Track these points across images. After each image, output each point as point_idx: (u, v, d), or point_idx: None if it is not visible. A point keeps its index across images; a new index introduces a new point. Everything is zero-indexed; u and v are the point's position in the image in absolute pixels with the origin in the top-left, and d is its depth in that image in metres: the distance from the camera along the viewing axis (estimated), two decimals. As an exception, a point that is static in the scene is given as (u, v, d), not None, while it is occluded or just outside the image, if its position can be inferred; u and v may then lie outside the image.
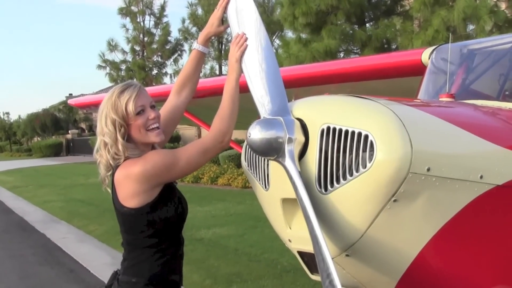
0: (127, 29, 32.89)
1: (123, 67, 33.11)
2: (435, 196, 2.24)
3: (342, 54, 14.67)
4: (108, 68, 33.02)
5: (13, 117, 76.50)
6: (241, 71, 2.53)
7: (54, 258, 8.49)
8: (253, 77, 2.47)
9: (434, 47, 4.13)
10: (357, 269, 2.37)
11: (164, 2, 33.22)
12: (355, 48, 14.59)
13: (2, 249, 9.30)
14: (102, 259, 8.05)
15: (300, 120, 2.31)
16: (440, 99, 3.18)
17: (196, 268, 6.98)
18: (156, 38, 33.10)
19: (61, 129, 51.37)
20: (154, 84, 30.38)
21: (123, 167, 2.43)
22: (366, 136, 2.12)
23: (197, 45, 2.83)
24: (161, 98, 3.11)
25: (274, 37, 23.78)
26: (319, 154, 2.23)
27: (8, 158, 46.53)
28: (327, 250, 2.12)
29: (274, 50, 12.21)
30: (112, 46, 32.81)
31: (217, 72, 28.28)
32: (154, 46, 32.98)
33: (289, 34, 16.27)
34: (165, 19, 33.26)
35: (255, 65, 2.48)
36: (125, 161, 2.43)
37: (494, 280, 2.54)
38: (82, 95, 23.39)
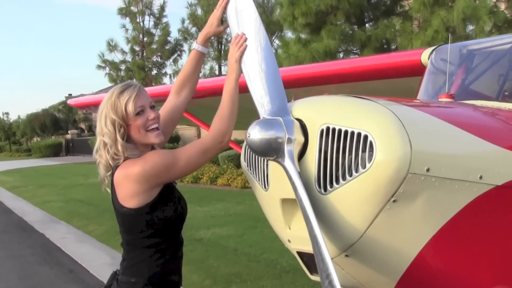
0: (127, 29, 32.90)
1: (123, 67, 33.10)
2: (434, 196, 2.24)
3: (341, 55, 14.67)
4: (107, 68, 33.03)
5: (13, 117, 76.60)
6: (240, 71, 2.53)
7: (54, 258, 8.48)
8: (253, 78, 2.47)
9: (433, 47, 4.13)
10: (357, 269, 2.37)
11: (164, 3, 33.26)
12: (355, 49, 14.59)
13: (1, 249, 9.29)
14: (102, 259, 8.04)
15: (300, 121, 2.31)
16: (439, 100, 3.18)
17: (196, 268, 6.98)
18: (156, 38, 33.10)
19: (60, 129, 51.37)
20: (153, 84, 30.37)
21: (122, 167, 2.43)
22: (366, 137, 2.12)
23: (196, 45, 2.83)
24: (160, 98, 3.11)
25: (273, 38, 23.79)
26: (318, 155, 2.23)
27: (8, 158, 46.52)
28: (327, 250, 2.12)
29: (274, 51, 12.20)
30: (112, 46, 32.81)
31: (217, 72, 28.28)
32: (154, 46, 32.98)
33: (289, 34, 16.29)
34: (164, 20, 33.30)
35: (254, 65, 2.48)
36: (125, 161, 2.43)
37: (493, 281, 2.54)
38: (82, 95, 23.39)
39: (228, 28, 2.71)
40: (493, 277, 2.54)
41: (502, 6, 13.01)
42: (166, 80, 33.02)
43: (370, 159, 2.10)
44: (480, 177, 2.33)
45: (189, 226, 9.03)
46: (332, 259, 2.14)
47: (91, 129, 49.27)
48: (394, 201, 2.15)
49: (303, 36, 14.41)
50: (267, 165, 2.49)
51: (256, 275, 6.64)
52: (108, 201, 2.59)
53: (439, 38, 11.34)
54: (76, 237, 10.11)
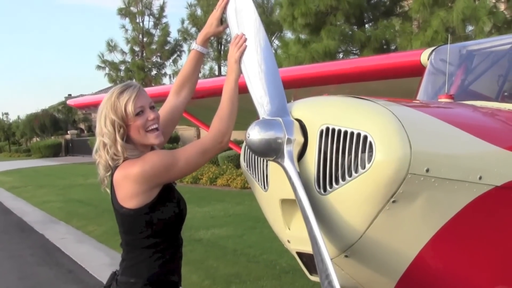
0: (126, 30, 32.93)
1: (122, 67, 33.12)
2: (434, 197, 2.24)
3: (341, 55, 14.67)
4: (107, 69, 33.04)
5: (12, 117, 76.56)
6: (240, 71, 2.53)
7: (53, 259, 8.48)
8: (252, 78, 2.47)
9: (433, 48, 4.13)
10: (356, 270, 2.37)
11: (164, 3, 33.30)
12: (354, 49, 14.59)
13: (0, 250, 9.29)
14: (101, 259, 8.04)
15: (299, 121, 2.31)
16: (439, 100, 3.18)
17: (195, 269, 6.98)
18: (155, 38, 33.12)
19: (60, 129, 51.34)
20: (153, 84, 30.38)
21: (122, 167, 2.43)
22: (365, 137, 2.12)
23: (196, 46, 2.83)
24: (160, 99, 3.11)
25: (273, 38, 23.79)
26: (318, 155, 2.23)
27: (7, 159, 46.51)
28: (326, 251, 2.12)
29: (273, 51, 12.20)
30: (111, 47, 32.82)
31: (216, 73, 28.28)
32: (153, 46, 33.00)
33: (288, 34, 16.31)
34: (164, 20, 33.33)
35: (254, 65, 2.48)
36: (124, 161, 2.43)
37: (493, 281, 2.54)
38: (81, 95, 23.38)
39: (228, 29, 2.71)
40: (493, 277, 2.54)
41: (502, 7, 13.03)
42: (165, 80, 33.05)
43: (369, 160, 2.10)
44: (480, 178, 2.33)
45: (189, 227, 9.03)
46: (331, 259, 2.14)
47: (91, 130, 49.26)
48: (393, 201, 2.15)
49: (302, 36, 14.41)
50: (266, 165, 2.49)
51: (256, 276, 6.64)
52: (108, 202, 2.59)
53: (439, 39, 11.35)
54: (75, 238, 10.10)
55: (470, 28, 12.27)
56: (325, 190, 2.22)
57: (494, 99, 3.39)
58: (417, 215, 2.24)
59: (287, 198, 2.34)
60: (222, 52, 27.89)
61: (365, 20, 14.72)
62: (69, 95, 51.41)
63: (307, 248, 2.24)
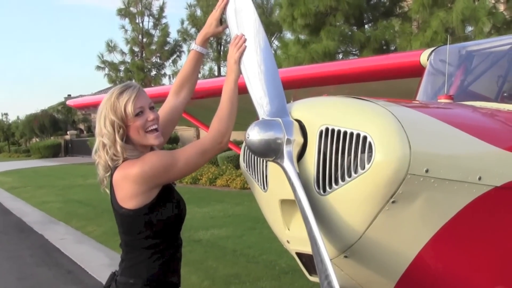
0: (126, 30, 32.96)
1: (122, 68, 33.14)
2: (433, 197, 2.24)
3: (340, 55, 14.68)
4: (107, 69, 33.06)
5: (12, 118, 76.33)
6: (240, 72, 2.53)
7: (52, 259, 8.48)
8: (252, 78, 2.47)
9: (432, 48, 4.13)
10: (356, 270, 2.37)
11: (163, 3, 33.32)
12: (354, 50, 14.60)
13: (0, 250, 9.29)
14: (100, 260, 8.04)
15: (299, 121, 2.31)
16: (438, 101, 3.18)
17: (195, 269, 6.98)
18: (155, 39, 33.13)
19: (59, 130, 51.33)
20: (153, 85, 30.37)
21: (121, 168, 2.42)
22: (365, 138, 2.12)
23: (195, 46, 2.83)
24: (160, 99, 3.11)
25: (273, 38, 23.79)
26: (317, 155, 2.23)
27: (7, 159, 46.48)
28: (326, 251, 2.12)
29: (273, 51, 12.21)
30: (111, 47, 32.85)
31: (216, 73, 28.29)
32: (153, 47, 33.02)
33: (288, 35, 16.33)
34: (164, 20, 33.37)
35: (254, 66, 2.48)
36: (124, 162, 2.43)
37: (493, 282, 2.54)
38: (81, 96, 23.36)
39: (227, 29, 2.71)
40: (493, 278, 2.54)
41: (501, 7, 13.04)
42: (165, 81, 33.08)
43: (369, 160, 2.10)
44: (479, 178, 2.33)
45: (188, 227, 9.02)
46: (331, 260, 2.14)
47: (90, 130, 49.24)
48: (393, 202, 2.15)
49: (302, 37, 14.43)
50: (266, 166, 2.49)
51: (255, 276, 6.64)
52: (107, 202, 2.59)
53: (438, 39, 11.36)
54: (75, 238, 10.10)
55: (469, 28, 12.29)
56: (324, 190, 2.22)
57: (494, 99, 3.39)
58: (417, 216, 2.24)
59: (287, 198, 2.34)
60: (221, 53, 27.91)
61: (364, 21, 14.74)
62: (69, 95, 51.34)
63: (307, 249, 2.24)
